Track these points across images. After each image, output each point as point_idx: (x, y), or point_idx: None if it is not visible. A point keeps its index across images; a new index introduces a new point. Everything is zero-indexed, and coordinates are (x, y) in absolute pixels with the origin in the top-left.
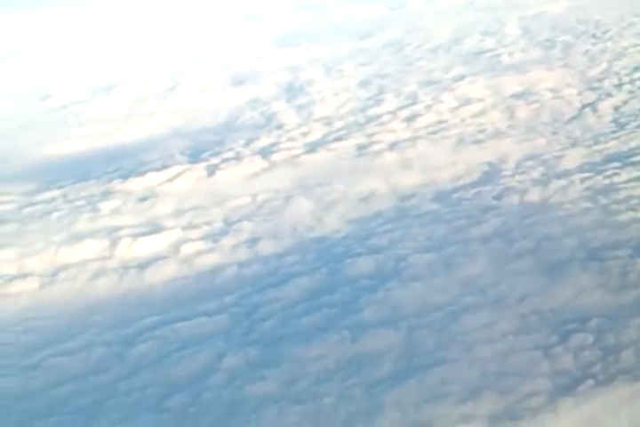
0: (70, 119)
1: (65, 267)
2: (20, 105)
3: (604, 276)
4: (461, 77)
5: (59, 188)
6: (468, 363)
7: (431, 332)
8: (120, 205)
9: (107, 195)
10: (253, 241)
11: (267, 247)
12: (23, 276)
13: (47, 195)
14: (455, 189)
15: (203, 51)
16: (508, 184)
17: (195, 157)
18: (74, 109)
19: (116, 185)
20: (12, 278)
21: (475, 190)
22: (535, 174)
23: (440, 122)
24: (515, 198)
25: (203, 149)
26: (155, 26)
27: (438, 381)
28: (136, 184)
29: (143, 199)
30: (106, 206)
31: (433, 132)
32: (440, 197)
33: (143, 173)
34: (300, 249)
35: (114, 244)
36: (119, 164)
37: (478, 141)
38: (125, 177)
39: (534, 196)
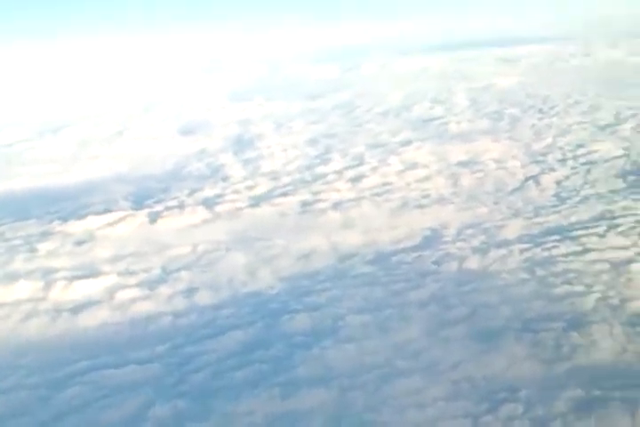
0: (14, 158)
1: None
2: None
3: (537, 347)
4: (408, 142)
5: None
6: None
7: (363, 393)
8: (58, 246)
9: (45, 236)
10: (190, 291)
11: (203, 298)
12: None
13: None
14: (395, 252)
15: (156, 98)
16: (448, 250)
17: (138, 203)
18: (18, 148)
19: (56, 226)
20: None
21: (415, 254)
22: (475, 242)
23: (385, 184)
24: (454, 265)
25: (147, 195)
26: (112, 70)
27: None
28: (76, 227)
29: (82, 242)
30: (43, 247)
31: (377, 194)
32: (380, 258)
33: (84, 216)
34: (236, 302)
35: (48, 285)
36: (61, 205)
37: (421, 206)
38: (66, 219)
39: (473, 263)
